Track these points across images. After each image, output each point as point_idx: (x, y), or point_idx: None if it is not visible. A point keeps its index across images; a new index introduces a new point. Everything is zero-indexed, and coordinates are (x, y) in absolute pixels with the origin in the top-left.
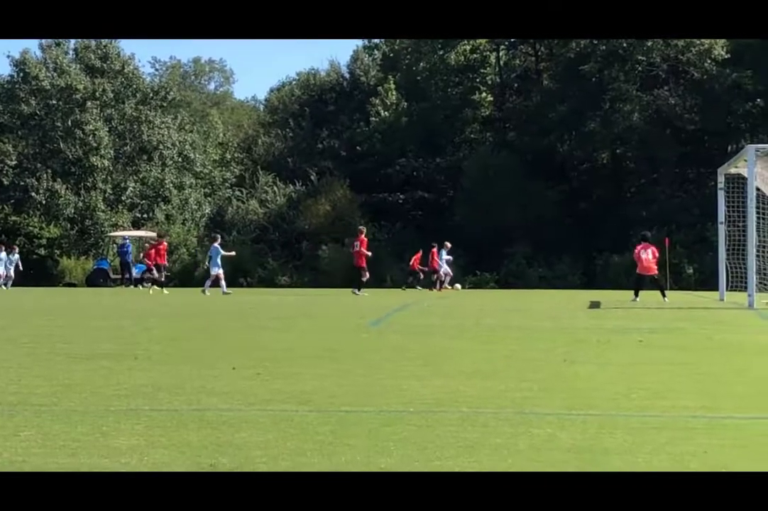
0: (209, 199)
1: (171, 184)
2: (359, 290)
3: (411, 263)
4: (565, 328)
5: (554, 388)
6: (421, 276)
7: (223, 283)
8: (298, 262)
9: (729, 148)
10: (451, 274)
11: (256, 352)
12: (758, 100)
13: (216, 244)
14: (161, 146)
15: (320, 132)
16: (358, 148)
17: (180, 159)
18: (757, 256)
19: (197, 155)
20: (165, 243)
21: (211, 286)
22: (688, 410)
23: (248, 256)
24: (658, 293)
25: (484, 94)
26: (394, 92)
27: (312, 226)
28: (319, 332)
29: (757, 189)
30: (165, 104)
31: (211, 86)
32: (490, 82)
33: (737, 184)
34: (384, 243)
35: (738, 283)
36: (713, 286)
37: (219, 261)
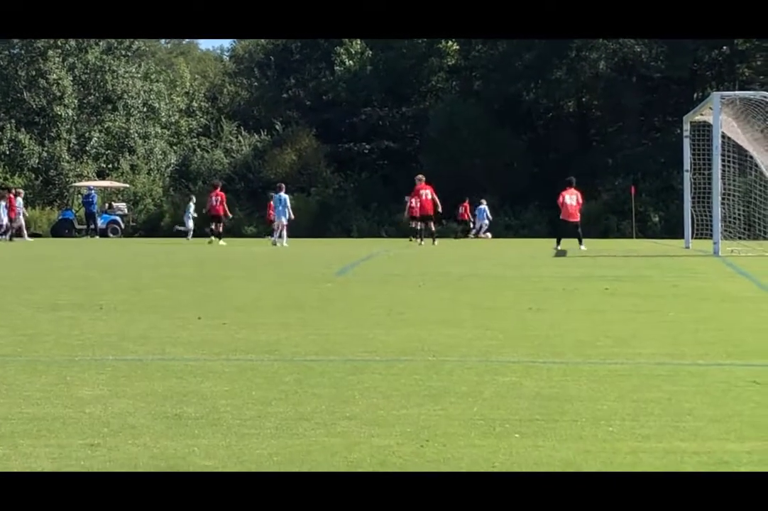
0: (174, 148)
1: (136, 134)
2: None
3: (461, 212)
4: (531, 276)
5: (519, 336)
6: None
7: (283, 233)
8: (265, 212)
9: (695, 95)
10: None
11: (221, 302)
12: (724, 47)
13: (282, 194)
14: (126, 96)
15: (286, 81)
16: (323, 97)
17: (145, 109)
18: (722, 204)
19: (162, 105)
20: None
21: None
22: (652, 358)
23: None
24: (619, 241)
25: (449, 43)
26: (358, 41)
27: (278, 175)
28: (284, 282)
29: (723, 136)
30: (129, 54)
31: None
32: None
33: (703, 131)
34: (350, 192)
35: (703, 231)
36: (679, 234)
37: (286, 211)
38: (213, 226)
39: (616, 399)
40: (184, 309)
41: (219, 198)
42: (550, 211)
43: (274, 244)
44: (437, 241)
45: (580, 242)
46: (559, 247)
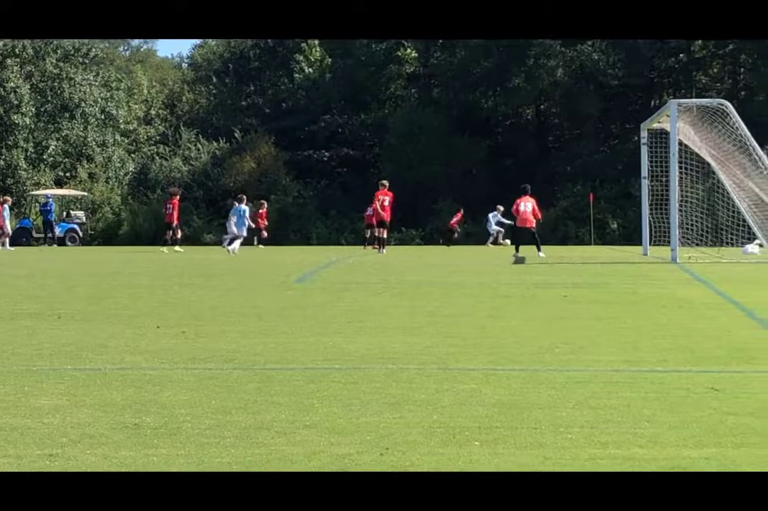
0: (133, 156)
1: (94, 142)
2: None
3: (452, 221)
4: (490, 283)
5: (479, 343)
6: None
7: (237, 242)
8: (224, 220)
9: (652, 103)
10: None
11: (180, 310)
12: (681, 55)
13: (242, 205)
14: (83, 104)
15: (245, 88)
16: (282, 105)
17: (103, 116)
18: (680, 210)
19: (120, 112)
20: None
21: (230, 244)
22: (611, 364)
23: None
24: (577, 248)
25: (408, 50)
26: (318, 48)
27: (237, 183)
28: (244, 290)
29: (681, 143)
30: (87, 61)
31: (135, 43)
32: None
33: (660, 139)
34: (309, 200)
35: (661, 237)
36: (637, 241)
37: (245, 221)
38: (169, 235)
39: (575, 406)
40: (142, 318)
41: (171, 206)
42: (510, 218)
43: (231, 252)
44: (386, 249)
45: (539, 249)
46: (517, 255)
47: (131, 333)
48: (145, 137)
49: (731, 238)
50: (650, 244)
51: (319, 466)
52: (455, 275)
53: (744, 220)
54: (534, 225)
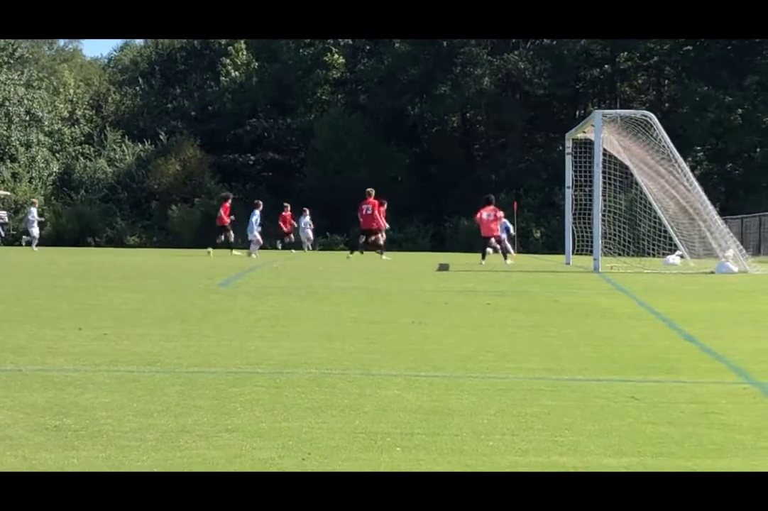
0: (57, 156)
1: (17, 142)
2: (383, 254)
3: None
4: (414, 290)
5: (402, 350)
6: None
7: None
8: (148, 222)
9: (577, 113)
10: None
11: (103, 312)
12: (606, 66)
13: (256, 210)
14: (7, 103)
15: (171, 90)
16: (209, 108)
17: (27, 116)
18: (603, 220)
19: (45, 113)
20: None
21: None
22: (533, 372)
23: (97, 215)
24: (501, 255)
25: (336, 56)
26: (245, 52)
27: (162, 185)
28: (167, 293)
29: (605, 153)
30: (12, 61)
31: (60, 43)
32: (342, 44)
33: (584, 149)
34: (234, 204)
35: (584, 247)
36: (560, 249)
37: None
38: (222, 238)
39: (497, 413)
40: (64, 319)
41: (222, 209)
42: (434, 225)
43: (249, 255)
44: (385, 255)
45: (506, 257)
46: (483, 262)
47: (53, 335)
48: (70, 138)
49: (653, 249)
50: (573, 253)
51: (240, 470)
52: (379, 281)
53: (665, 231)
54: (498, 234)
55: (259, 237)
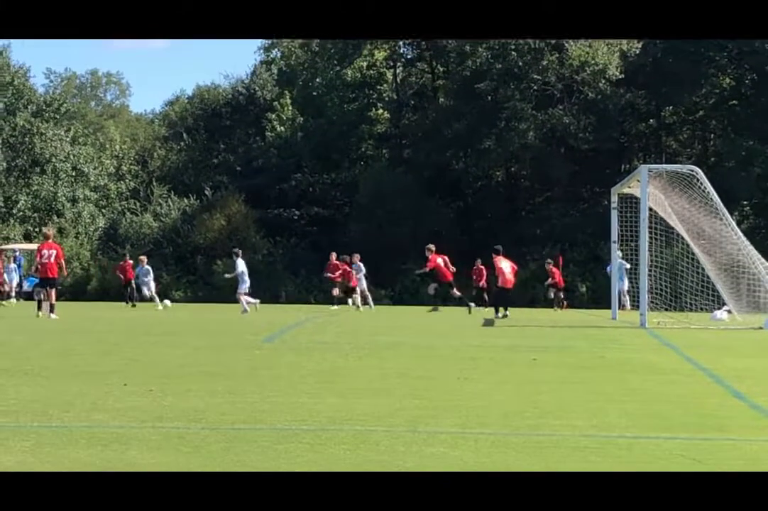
0: (103, 211)
1: (64, 198)
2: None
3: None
4: (459, 346)
5: (447, 406)
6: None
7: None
8: (193, 276)
9: (622, 167)
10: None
11: (148, 368)
12: (651, 120)
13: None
14: (54, 159)
15: (216, 146)
16: (253, 163)
17: (73, 172)
18: (649, 275)
19: (91, 168)
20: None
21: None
22: (579, 429)
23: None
24: (546, 310)
25: (380, 111)
26: (290, 107)
27: (207, 240)
28: (212, 349)
29: (650, 209)
30: (58, 116)
31: (108, 98)
32: (386, 99)
33: (630, 203)
34: (279, 258)
35: (630, 302)
36: (605, 304)
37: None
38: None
39: (543, 471)
40: (110, 375)
41: (332, 266)
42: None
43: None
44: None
45: (505, 309)
46: (499, 315)
47: (98, 390)
48: (116, 193)
49: (699, 304)
50: (619, 308)
51: None
52: (424, 336)
53: (712, 286)
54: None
55: (248, 297)
